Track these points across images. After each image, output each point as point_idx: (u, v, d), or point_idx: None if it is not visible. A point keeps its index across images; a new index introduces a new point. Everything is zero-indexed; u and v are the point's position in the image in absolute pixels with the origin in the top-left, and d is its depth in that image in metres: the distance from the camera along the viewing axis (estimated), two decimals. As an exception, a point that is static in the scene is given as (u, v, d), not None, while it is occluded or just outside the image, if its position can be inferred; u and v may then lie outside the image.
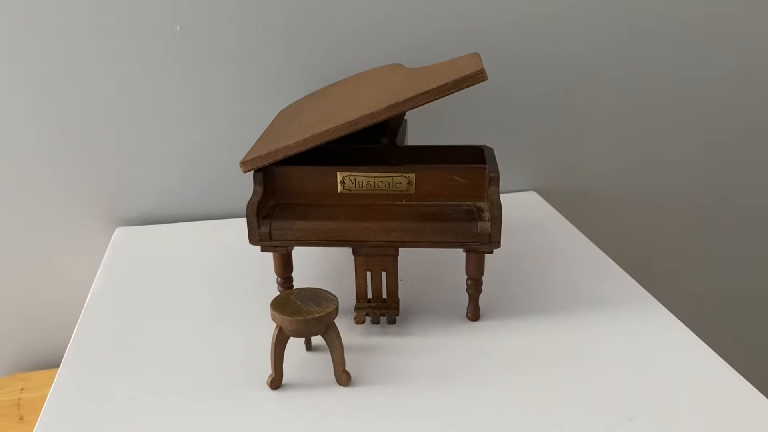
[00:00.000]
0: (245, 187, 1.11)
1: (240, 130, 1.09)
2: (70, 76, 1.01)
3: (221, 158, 1.10)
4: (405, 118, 0.95)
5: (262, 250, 0.76)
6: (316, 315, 0.66)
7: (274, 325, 0.68)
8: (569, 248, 0.98)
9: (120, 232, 1.08)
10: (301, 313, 0.66)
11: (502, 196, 0.73)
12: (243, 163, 0.75)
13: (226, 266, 0.95)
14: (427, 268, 0.93)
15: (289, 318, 0.65)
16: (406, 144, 0.91)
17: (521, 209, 1.12)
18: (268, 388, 0.69)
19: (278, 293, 0.80)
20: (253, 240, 0.75)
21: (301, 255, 0.95)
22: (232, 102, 1.07)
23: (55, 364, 1.12)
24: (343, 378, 0.69)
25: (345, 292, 0.85)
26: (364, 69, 1.07)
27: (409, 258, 0.94)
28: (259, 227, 0.75)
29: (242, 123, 1.08)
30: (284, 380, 0.70)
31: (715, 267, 1.34)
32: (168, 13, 1.00)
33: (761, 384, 0.74)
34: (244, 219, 0.90)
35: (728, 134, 1.23)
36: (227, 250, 1.00)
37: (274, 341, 0.67)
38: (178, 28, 1.01)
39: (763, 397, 0.66)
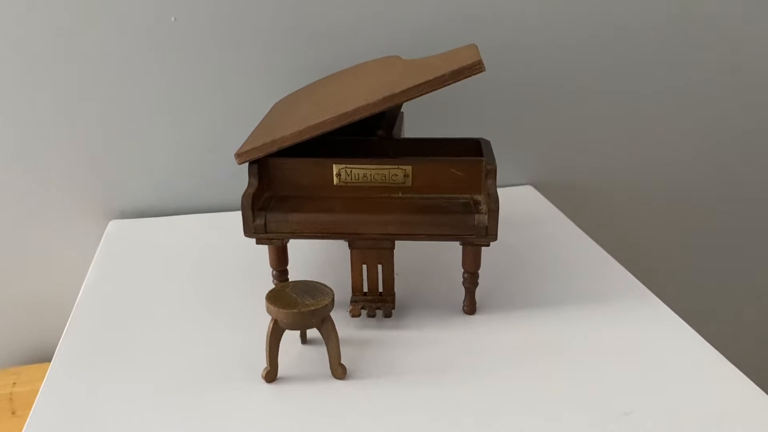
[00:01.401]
0: (240, 179, 1.11)
1: (235, 122, 1.08)
2: (62, 69, 1.00)
3: (216, 150, 1.09)
4: (402, 110, 0.94)
5: (258, 243, 0.76)
6: (312, 308, 0.65)
7: (270, 318, 0.67)
8: (566, 242, 0.98)
9: (113, 225, 1.07)
10: (296, 306, 0.65)
11: (498, 190, 0.73)
12: (238, 155, 0.75)
13: (220, 259, 0.94)
14: (424, 261, 0.92)
15: (285, 311, 0.65)
16: (402, 136, 0.90)
17: (518, 203, 1.12)
18: (264, 381, 0.68)
19: (273, 286, 0.80)
20: (248, 232, 0.75)
21: (296, 248, 0.94)
22: (226, 94, 1.06)
23: (48, 358, 1.11)
24: (339, 371, 0.69)
25: (341, 285, 0.84)
26: (361, 61, 1.06)
27: (405, 251, 0.94)
28: (254, 220, 0.74)
29: (237, 115, 1.07)
30: (279, 373, 0.69)
31: (713, 262, 1.34)
32: (163, 5, 0.99)
33: (760, 379, 0.74)
34: (239, 211, 0.90)
35: (728, 133, 1.23)
36: (222, 243, 0.99)
37: (270, 334, 0.67)
38: (173, 19, 1.00)
39: (762, 392, 0.66)
